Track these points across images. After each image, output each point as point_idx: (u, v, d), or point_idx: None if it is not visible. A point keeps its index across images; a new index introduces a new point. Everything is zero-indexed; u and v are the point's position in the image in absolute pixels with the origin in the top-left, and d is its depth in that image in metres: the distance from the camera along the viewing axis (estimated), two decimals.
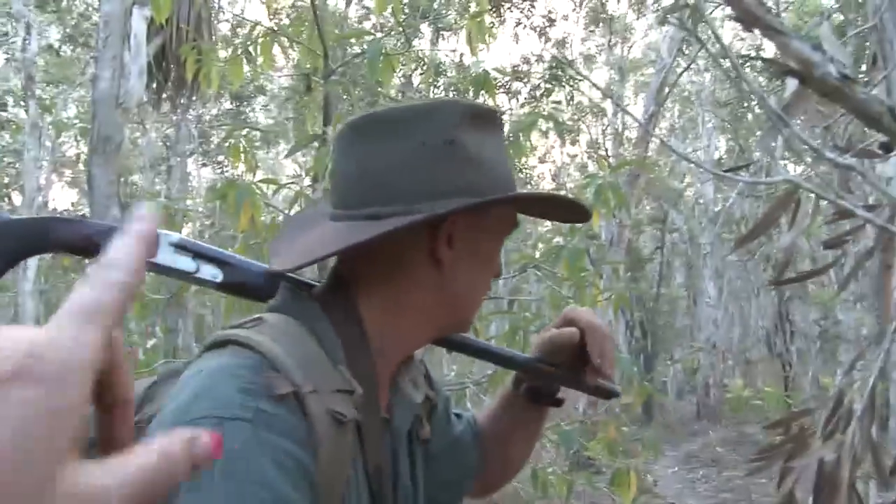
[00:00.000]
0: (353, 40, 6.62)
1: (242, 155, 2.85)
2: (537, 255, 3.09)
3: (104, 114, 4.70)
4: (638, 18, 14.23)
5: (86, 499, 0.28)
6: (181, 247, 0.82)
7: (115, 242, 0.34)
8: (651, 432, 6.73)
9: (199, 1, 7.08)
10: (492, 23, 9.61)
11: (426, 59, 8.86)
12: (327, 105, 2.66)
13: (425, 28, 9.87)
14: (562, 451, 4.80)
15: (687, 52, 10.67)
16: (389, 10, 2.73)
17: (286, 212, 2.83)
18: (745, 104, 11.35)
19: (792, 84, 0.94)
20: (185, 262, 0.82)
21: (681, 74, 11.49)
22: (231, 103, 12.56)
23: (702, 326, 13.04)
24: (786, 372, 11.48)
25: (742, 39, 12.06)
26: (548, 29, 11.80)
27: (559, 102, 10.20)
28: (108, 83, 4.67)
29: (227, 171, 12.36)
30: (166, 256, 0.81)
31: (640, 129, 9.88)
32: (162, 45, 7.38)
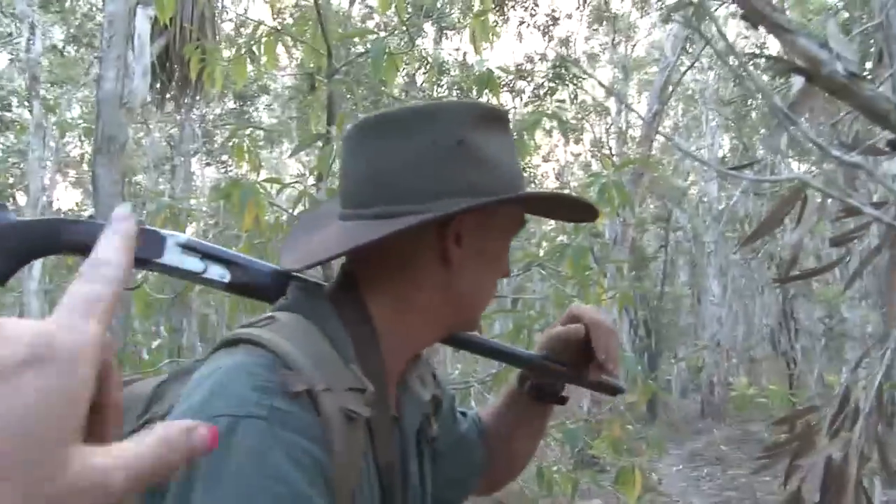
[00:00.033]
0: (356, 39, 6.63)
1: (246, 154, 2.86)
2: (541, 253, 3.09)
3: (108, 114, 4.70)
4: (641, 17, 14.22)
5: (89, 478, 0.31)
6: (189, 247, 0.82)
7: (102, 241, 0.36)
8: (655, 431, 6.71)
9: (202, 0, 7.08)
10: (495, 21, 9.61)
11: (430, 59, 8.86)
12: (331, 104, 2.66)
13: (428, 27, 9.87)
14: (566, 450, 4.79)
15: (691, 50, 10.65)
16: (393, 8, 2.73)
17: (290, 211, 2.83)
18: (749, 102, 11.33)
19: (798, 82, 0.94)
20: (193, 263, 0.82)
21: (685, 73, 11.47)
22: (234, 103, 12.57)
23: (706, 325, 13.03)
24: (790, 370, 11.45)
25: (746, 38, 12.04)
26: (551, 27, 11.80)
27: (563, 101, 10.18)
28: (113, 83, 4.67)
29: (230, 171, 12.37)
30: (174, 257, 0.81)
31: (644, 128, 9.86)
32: (166, 45, 7.39)
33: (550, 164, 16.47)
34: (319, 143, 2.62)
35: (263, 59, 2.81)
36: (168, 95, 8.44)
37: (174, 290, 3.86)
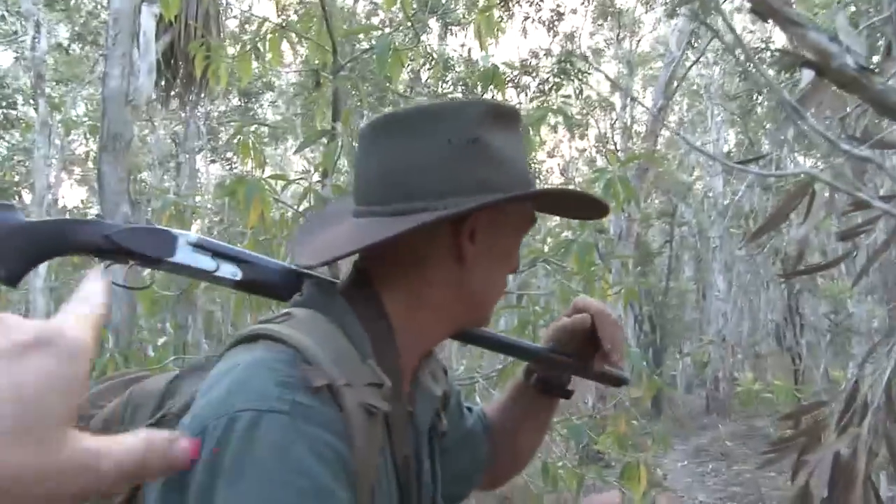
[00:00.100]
0: (361, 36, 6.62)
1: (251, 151, 2.86)
2: (546, 249, 3.09)
3: (114, 111, 4.71)
4: (647, 12, 14.17)
5: (82, 459, 0.34)
6: (200, 246, 0.83)
7: (85, 283, 0.41)
8: (661, 426, 6.71)
9: None
10: (500, 17, 9.59)
11: (435, 55, 8.85)
12: (336, 101, 2.66)
13: (433, 23, 9.85)
14: (571, 445, 4.79)
15: (696, 45, 10.61)
16: (398, 4, 2.72)
17: (295, 208, 2.83)
18: (755, 97, 11.29)
19: (808, 75, 0.93)
20: (204, 261, 0.83)
21: (690, 68, 11.44)
22: (239, 100, 12.57)
23: (711, 320, 13.01)
24: (795, 365, 11.43)
25: (751, 32, 11.99)
26: (556, 23, 11.76)
27: (568, 97, 10.16)
28: (118, 81, 4.68)
29: (235, 168, 12.39)
30: (186, 256, 0.82)
31: (649, 123, 9.84)
32: (171, 43, 7.40)
33: (555, 159, 16.44)
34: (324, 140, 2.62)
35: (268, 56, 2.81)
36: (173, 93, 8.46)
37: (179, 287, 3.86)
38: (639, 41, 15.59)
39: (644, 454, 2.83)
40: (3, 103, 11.38)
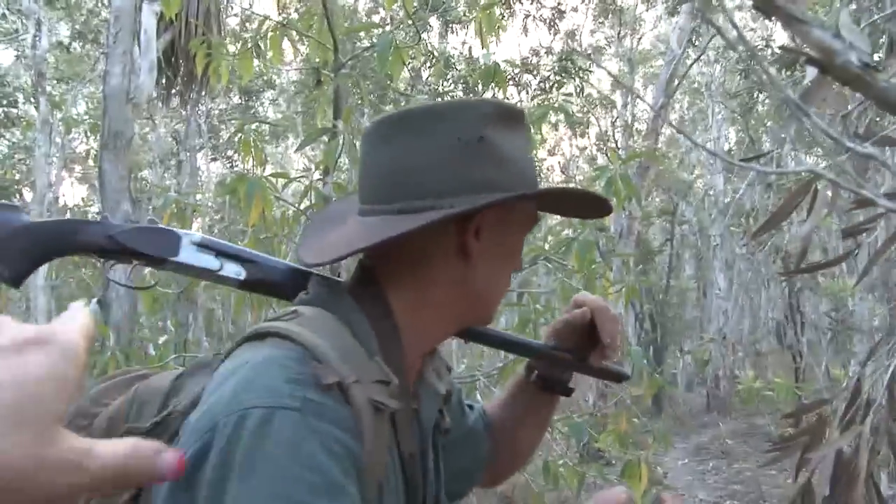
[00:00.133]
0: (362, 34, 6.62)
1: (252, 149, 2.85)
2: (547, 247, 3.08)
3: (115, 109, 4.71)
4: (647, 10, 14.16)
5: (70, 456, 0.35)
6: (204, 245, 0.83)
7: (70, 308, 0.42)
8: (661, 424, 6.71)
9: None
10: (501, 15, 9.58)
11: (436, 53, 8.85)
12: (337, 99, 2.65)
13: (434, 21, 9.84)
14: (572, 444, 4.80)
15: (697, 43, 10.60)
16: (399, 2, 2.72)
17: (296, 206, 2.83)
18: (755, 95, 11.28)
19: (811, 72, 0.93)
20: (208, 261, 0.83)
21: (691, 66, 11.43)
22: (240, 98, 12.58)
23: (711, 318, 13.01)
24: (796, 363, 11.42)
25: (752, 30, 11.99)
26: (557, 21, 11.75)
27: (570, 95, 10.16)
28: (119, 79, 4.68)
29: (236, 166, 12.39)
30: (190, 255, 0.83)
31: (650, 121, 9.84)
32: (171, 41, 7.40)
33: (556, 157, 16.45)
34: (325, 138, 2.61)
35: (269, 54, 2.80)
36: (174, 91, 8.46)
37: (180, 285, 3.86)
38: (640, 39, 15.60)
39: (645, 452, 2.82)
40: (4, 102, 11.38)
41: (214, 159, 14.42)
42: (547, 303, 3.05)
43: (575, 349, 1.01)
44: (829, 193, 1.08)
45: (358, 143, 2.83)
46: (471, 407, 1.09)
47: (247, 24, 9.57)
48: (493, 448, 1.08)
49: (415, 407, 0.85)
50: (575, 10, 13.13)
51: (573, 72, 9.96)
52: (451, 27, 10.57)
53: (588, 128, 14.15)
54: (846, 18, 0.81)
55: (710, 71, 13.37)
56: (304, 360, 0.70)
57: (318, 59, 2.89)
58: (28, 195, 11.90)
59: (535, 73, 10.57)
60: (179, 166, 12.15)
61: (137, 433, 0.78)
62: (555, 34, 11.97)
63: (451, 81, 9.03)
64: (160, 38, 6.44)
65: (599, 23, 14.68)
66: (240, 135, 2.86)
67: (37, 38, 8.78)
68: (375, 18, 10.28)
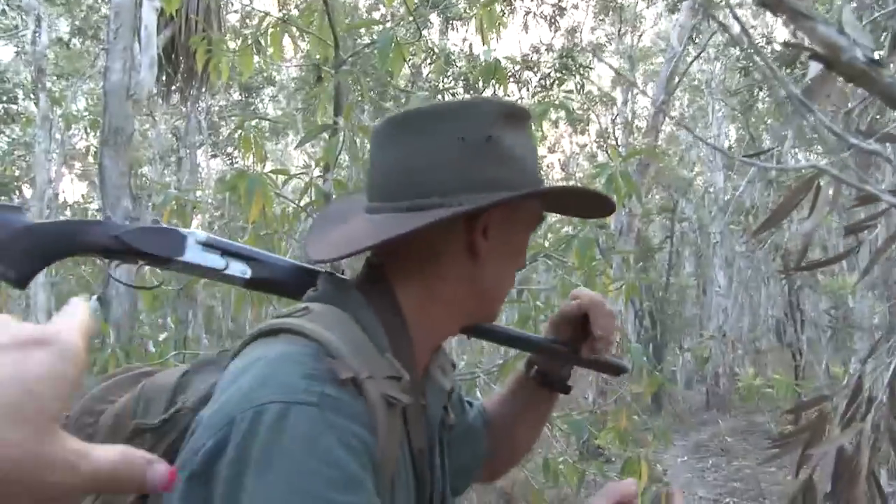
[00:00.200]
0: (361, 31, 6.61)
1: (252, 146, 2.85)
2: (547, 244, 3.08)
3: (115, 105, 4.71)
4: (648, 7, 14.14)
5: (65, 455, 0.35)
6: (209, 245, 0.83)
7: (70, 303, 0.42)
8: (661, 421, 6.72)
9: None
10: (502, 12, 9.57)
11: (436, 49, 8.84)
12: (338, 95, 2.65)
13: (434, 18, 9.83)
14: (572, 441, 4.80)
15: (697, 40, 10.59)
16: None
17: (297, 203, 2.83)
18: (756, 93, 11.27)
19: (815, 68, 0.93)
20: (214, 260, 0.84)
21: (691, 63, 11.41)
22: (240, 95, 12.57)
23: (711, 316, 13.00)
24: (796, 361, 11.42)
25: (753, 28, 11.97)
26: (558, 18, 11.74)
27: (570, 91, 10.16)
28: (119, 75, 4.68)
29: (237, 163, 12.39)
30: (195, 254, 0.83)
31: (650, 119, 9.83)
32: (172, 37, 7.39)
33: (556, 154, 16.45)
34: (325, 135, 2.61)
35: (269, 51, 2.80)
36: (174, 87, 8.45)
37: (180, 282, 3.86)
38: (640, 36, 15.59)
39: (645, 450, 2.83)
40: (4, 98, 11.38)
41: (214, 156, 14.42)
42: (547, 300, 3.05)
43: (570, 342, 1.02)
44: (832, 190, 1.09)
45: (358, 140, 2.82)
46: (470, 404, 1.10)
47: (247, 21, 9.56)
48: (491, 445, 1.09)
49: (423, 403, 0.85)
50: (575, 6, 13.13)
51: (574, 69, 9.95)
52: (452, 24, 10.57)
53: (588, 125, 14.16)
54: (849, 15, 0.81)
55: (710, 68, 13.35)
56: (318, 356, 0.71)
57: (318, 56, 2.88)
58: (28, 192, 11.90)
59: (535, 69, 10.56)
60: (179, 163, 12.14)
61: (146, 429, 0.79)
62: (555, 31, 11.96)
63: (451, 78, 9.03)
64: (160, 35, 6.44)
65: (600, 20, 14.67)
66: (240, 131, 2.85)
67: (37, 34, 8.76)
68: (376, 15, 10.26)
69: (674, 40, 9.72)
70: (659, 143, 10.84)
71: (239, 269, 0.85)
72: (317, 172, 2.69)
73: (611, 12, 13.94)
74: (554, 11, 11.69)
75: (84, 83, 11.98)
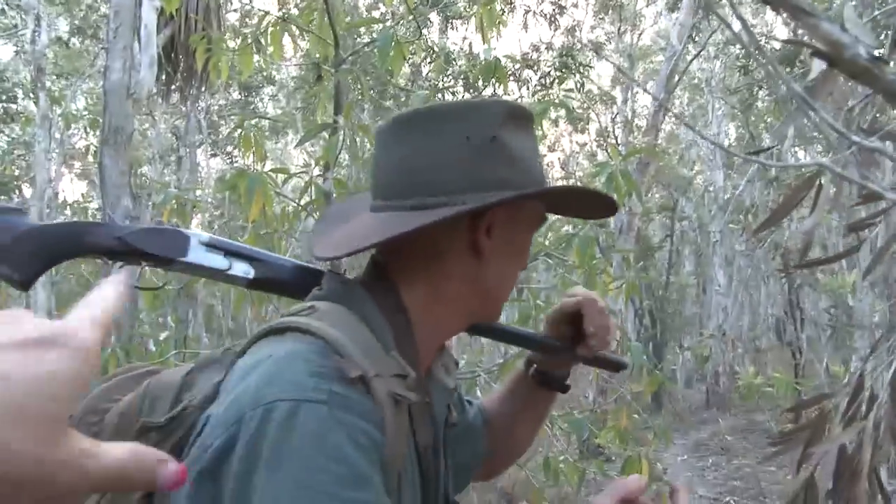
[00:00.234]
0: (363, 29, 6.61)
1: (252, 145, 2.85)
2: (547, 243, 3.09)
3: (115, 105, 4.71)
4: (648, 5, 14.14)
5: (74, 455, 0.35)
6: (212, 245, 0.84)
7: (103, 286, 0.42)
8: (661, 420, 6.72)
9: None
10: (502, 10, 9.56)
11: (436, 48, 8.84)
12: (338, 94, 2.65)
13: (434, 17, 9.83)
14: (572, 440, 4.80)
15: (697, 39, 10.59)
16: None
17: (297, 202, 2.83)
18: (755, 91, 11.27)
19: (818, 66, 0.93)
20: (217, 261, 0.84)
21: (691, 62, 11.41)
22: (240, 94, 12.57)
23: (711, 314, 13.00)
24: (796, 360, 11.42)
25: (752, 26, 11.95)
26: (557, 17, 11.74)
27: (570, 90, 10.15)
28: (119, 74, 4.68)
29: (236, 162, 12.39)
30: (198, 255, 0.83)
31: (650, 117, 9.83)
32: (171, 36, 7.39)
33: (556, 153, 16.45)
34: (325, 134, 2.61)
35: (269, 50, 2.80)
36: (173, 86, 8.45)
37: (180, 281, 3.86)
38: (640, 35, 15.57)
39: (645, 448, 2.83)
40: (4, 97, 11.38)
41: (214, 155, 14.42)
42: (547, 298, 3.05)
43: (568, 340, 1.03)
44: (833, 189, 1.08)
45: (358, 139, 2.82)
46: (469, 402, 1.11)
47: (247, 20, 9.55)
48: (490, 443, 1.10)
49: (428, 401, 0.86)
50: (575, 5, 13.12)
51: (573, 67, 9.95)
52: (452, 23, 10.56)
53: (588, 124, 14.14)
54: (851, 13, 0.81)
55: (710, 67, 13.35)
56: (326, 354, 0.71)
57: (318, 55, 2.88)
58: (28, 191, 11.91)
59: (535, 68, 10.56)
60: (179, 162, 12.14)
61: (152, 428, 0.79)
62: (555, 30, 11.96)
63: (451, 77, 9.03)
64: (160, 34, 6.43)
65: (600, 18, 14.67)
66: (240, 131, 2.85)
67: (36, 34, 8.76)
68: (376, 14, 10.25)
69: (674, 39, 9.72)
70: (659, 141, 10.85)
71: (242, 269, 0.86)
72: (317, 171, 2.69)
73: (611, 11, 13.93)
74: (554, 10, 11.69)
75: (84, 82, 11.98)
